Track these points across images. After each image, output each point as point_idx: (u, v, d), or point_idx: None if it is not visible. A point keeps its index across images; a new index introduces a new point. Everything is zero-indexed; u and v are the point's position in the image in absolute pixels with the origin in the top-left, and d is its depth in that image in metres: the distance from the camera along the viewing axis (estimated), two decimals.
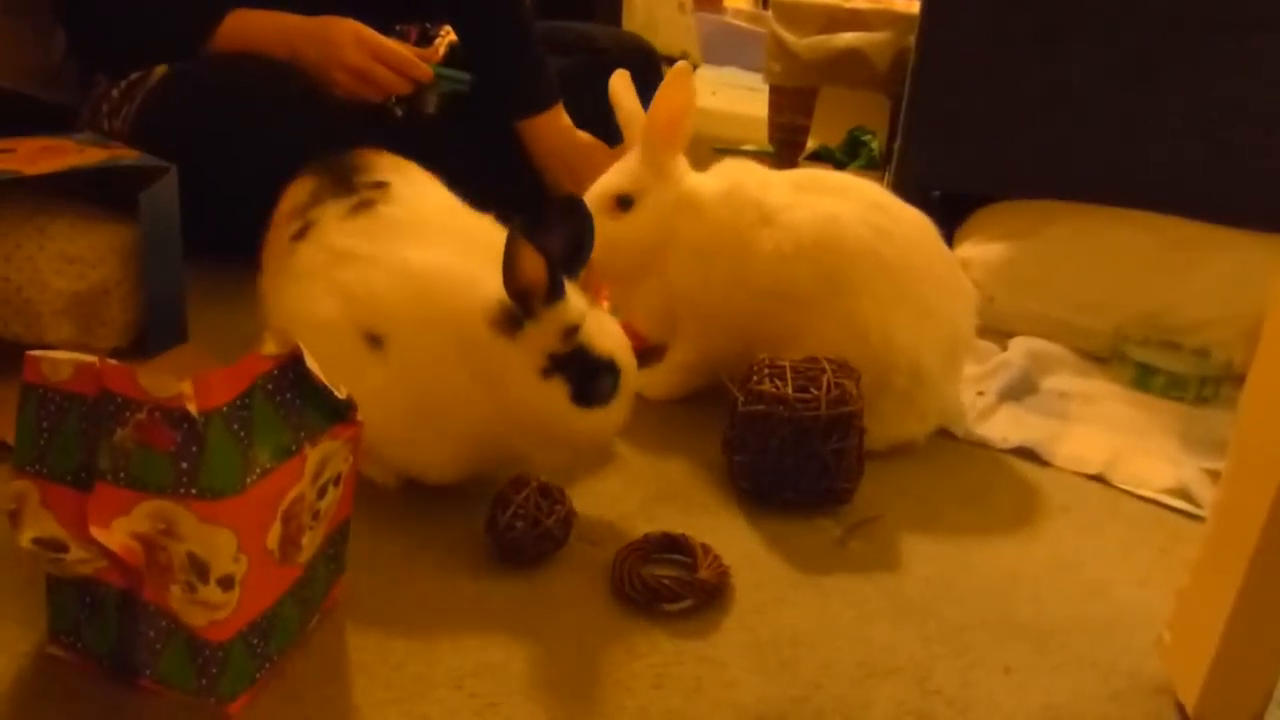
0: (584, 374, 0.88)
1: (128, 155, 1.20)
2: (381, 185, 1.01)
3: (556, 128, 1.62)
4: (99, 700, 0.71)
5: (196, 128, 1.35)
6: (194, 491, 0.65)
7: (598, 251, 1.12)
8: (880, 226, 1.12)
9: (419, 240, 0.95)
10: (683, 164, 1.20)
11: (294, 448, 0.70)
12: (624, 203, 1.17)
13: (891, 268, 1.11)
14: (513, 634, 0.82)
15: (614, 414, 0.91)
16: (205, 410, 0.65)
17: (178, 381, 0.64)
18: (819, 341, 1.09)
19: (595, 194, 1.18)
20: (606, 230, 1.12)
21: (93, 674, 0.73)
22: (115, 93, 1.45)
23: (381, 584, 0.86)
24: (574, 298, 0.89)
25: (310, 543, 0.74)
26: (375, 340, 0.91)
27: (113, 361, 0.67)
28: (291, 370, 0.71)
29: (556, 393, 0.88)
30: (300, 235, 0.98)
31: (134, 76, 1.44)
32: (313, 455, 0.72)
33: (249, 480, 0.67)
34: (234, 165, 1.33)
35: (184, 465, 0.65)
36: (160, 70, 1.43)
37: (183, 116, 1.37)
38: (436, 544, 0.93)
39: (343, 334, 0.91)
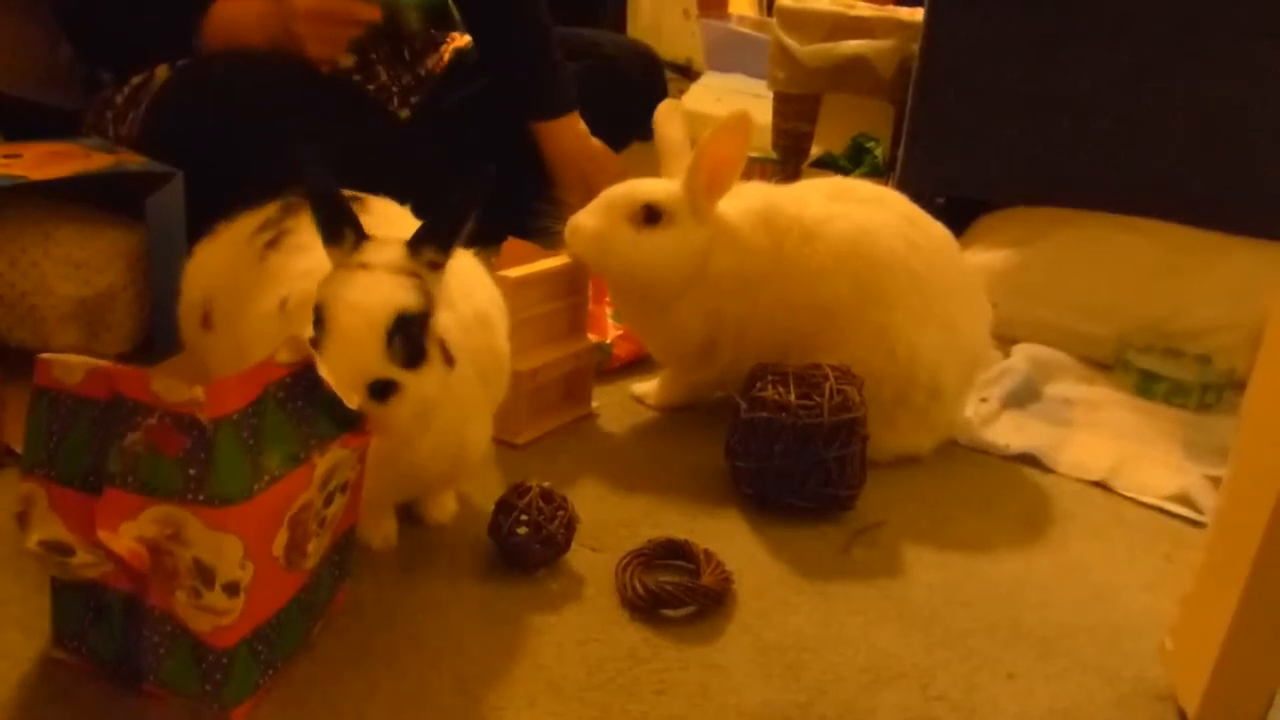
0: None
1: (134, 161, 1.20)
2: (357, 200, 1.00)
3: (573, 132, 1.62)
4: (103, 704, 0.71)
5: (204, 130, 1.35)
6: (201, 498, 0.65)
7: (611, 258, 1.11)
8: (912, 240, 1.12)
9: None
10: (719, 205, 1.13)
11: (303, 455, 0.70)
12: (651, 215, 1.10)
13: (922, 283, 1.11)
14: (516, 639, 0.82)
15: None
16: (215, 417, 0.65)
17: (190, 388, 0.65)
18: (844, 354, 1.08)
19: (624, 195, 1.12)
20: (624, 238, 1.10)
21: (97, 678, 0.73)
22: (119, 98, 1.45)
23: (386, 589, 0.87)
24: None
25: (316, 549, 0.74)
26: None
27: (125, 366, 0.67)
28: (303, 379, 0.71)
29: None
30: (273, 244, 0.97)
31: (137, 81, 1.44)
32: (322, 463, 0.72)
33: (257, 487, 0.67)
34: (242, 167, 1.33)
35: (192, 471, 0.65)
36: (163, 73, 1.43)
37: (189, 119, 1.37)
38: (440, 549, 0.93)
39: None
